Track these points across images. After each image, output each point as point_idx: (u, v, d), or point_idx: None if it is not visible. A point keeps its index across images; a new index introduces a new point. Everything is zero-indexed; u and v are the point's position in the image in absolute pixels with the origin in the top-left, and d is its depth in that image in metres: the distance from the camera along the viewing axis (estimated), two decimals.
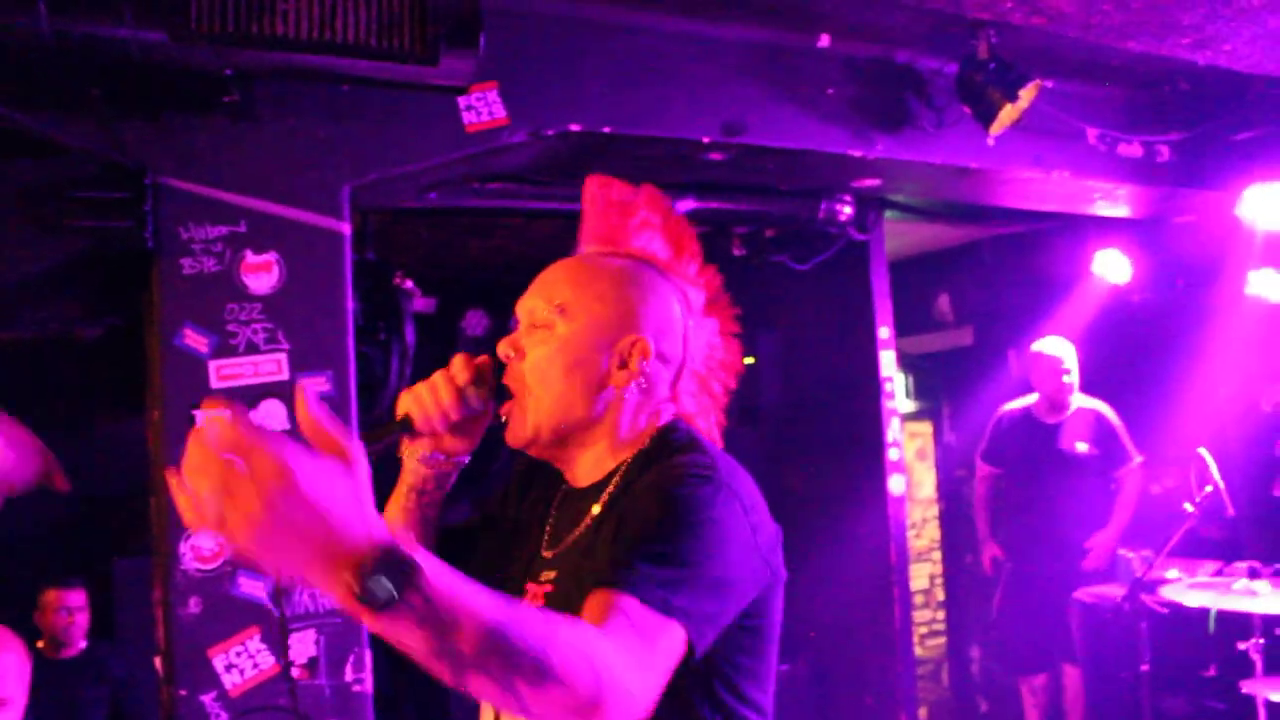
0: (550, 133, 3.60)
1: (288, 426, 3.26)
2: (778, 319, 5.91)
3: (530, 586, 1.63)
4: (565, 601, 1.48)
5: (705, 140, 3.84)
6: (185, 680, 3.14)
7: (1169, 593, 4.24)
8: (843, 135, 4.07)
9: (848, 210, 4.94)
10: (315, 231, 3.35)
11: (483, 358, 1.65)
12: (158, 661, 3.24)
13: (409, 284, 3.84)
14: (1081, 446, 5.36)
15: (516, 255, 6.02)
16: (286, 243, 3.31)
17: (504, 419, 1.65)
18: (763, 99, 3.92)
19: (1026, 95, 3.90)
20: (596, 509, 1.59)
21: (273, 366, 3.27)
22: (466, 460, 1.74)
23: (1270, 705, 3.96)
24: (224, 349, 3.23)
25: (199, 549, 3.16)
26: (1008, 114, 3.92)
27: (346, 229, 3.40)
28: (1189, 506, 4.22)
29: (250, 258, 3.27)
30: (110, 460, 4.95)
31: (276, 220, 3.30)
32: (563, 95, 3.61)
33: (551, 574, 1.60)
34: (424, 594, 1.07)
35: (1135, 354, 5.77)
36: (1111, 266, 5.68)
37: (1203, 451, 4.24)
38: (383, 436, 1.62)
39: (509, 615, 1.15)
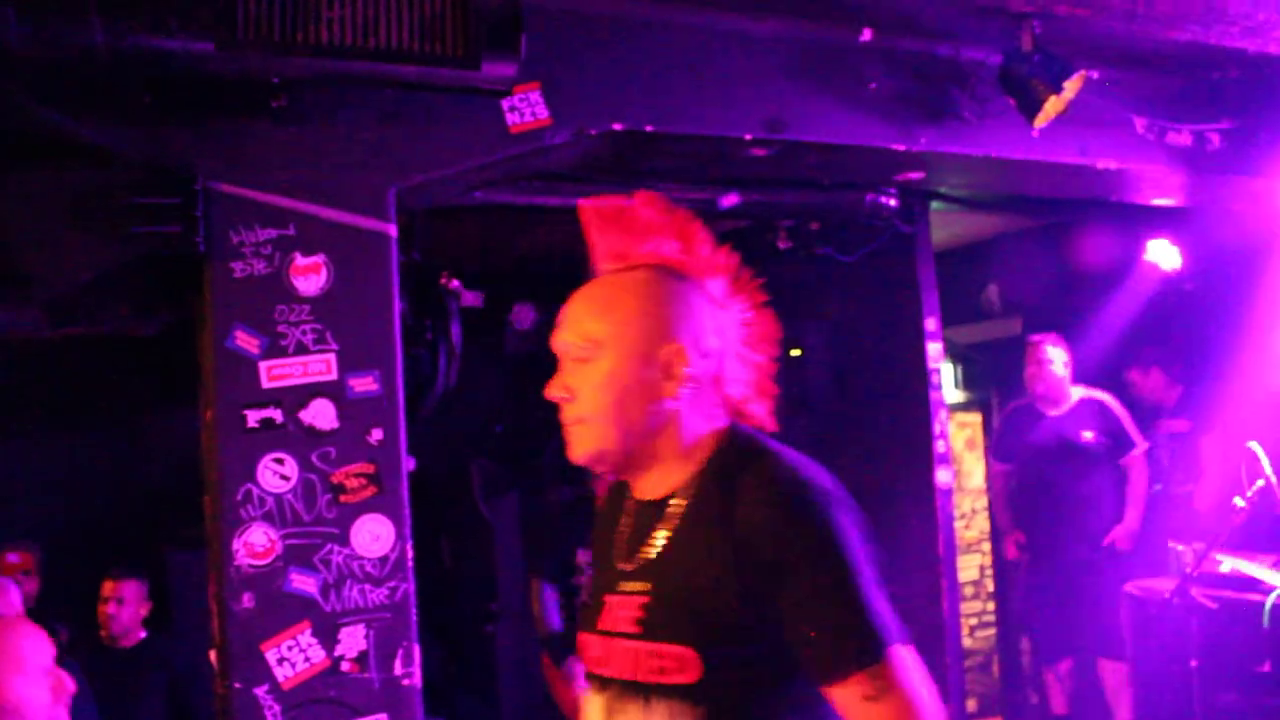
0: (593, 132, 3.62)
1: (336, 425, 3.32)
2: (824, 311, 5.90)
3: (610, 599, 1.71)
4: (666, 610, 1.62)
5: (747, 137, 3.84)
6: (239, 673, 3.21)
7: (1228, 567, 4.18)
8: (886, 129, 4.06)
9: (893, 202, 4.92)
10: (362, 233, 3.40)
11: None
12: (212, 655, 3.33)
13: (455, 283, 3.88)
14: (1087, 435, 5.50)
15: (563, 249, 6.05)
16: (334, 245, 3.36)
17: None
18: (805, 94, 3.91)
19: (1072, 86, 3.85)
20: (675, 521, 1.66)
21: (322, 366, 3.33)
22: None
23: None
24: (274, 350, 3.29)
25: (251, 545, 3.24)
26: (1053, 105, 3.88)
27: (393, 230, 3.45)
28: (1240, 501, 4.17)
29: (299, 260, 3.33)
30: (165, 454, 5.07)
31: (324, 223, 3.36)
32: (605, 94, 3.63)
33: (640, 585, 1.66)
34: None
35: (1186, 343, 5.71)
36: (1163, 255, 5.62)
37: (1254, 445, 4.19)
38: None
39: None
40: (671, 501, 1.67)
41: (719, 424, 1.71)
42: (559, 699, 4.24)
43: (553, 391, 1.70)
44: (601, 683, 1.70)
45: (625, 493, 1.77)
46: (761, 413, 1.75)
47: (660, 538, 1.66)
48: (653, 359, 1.65)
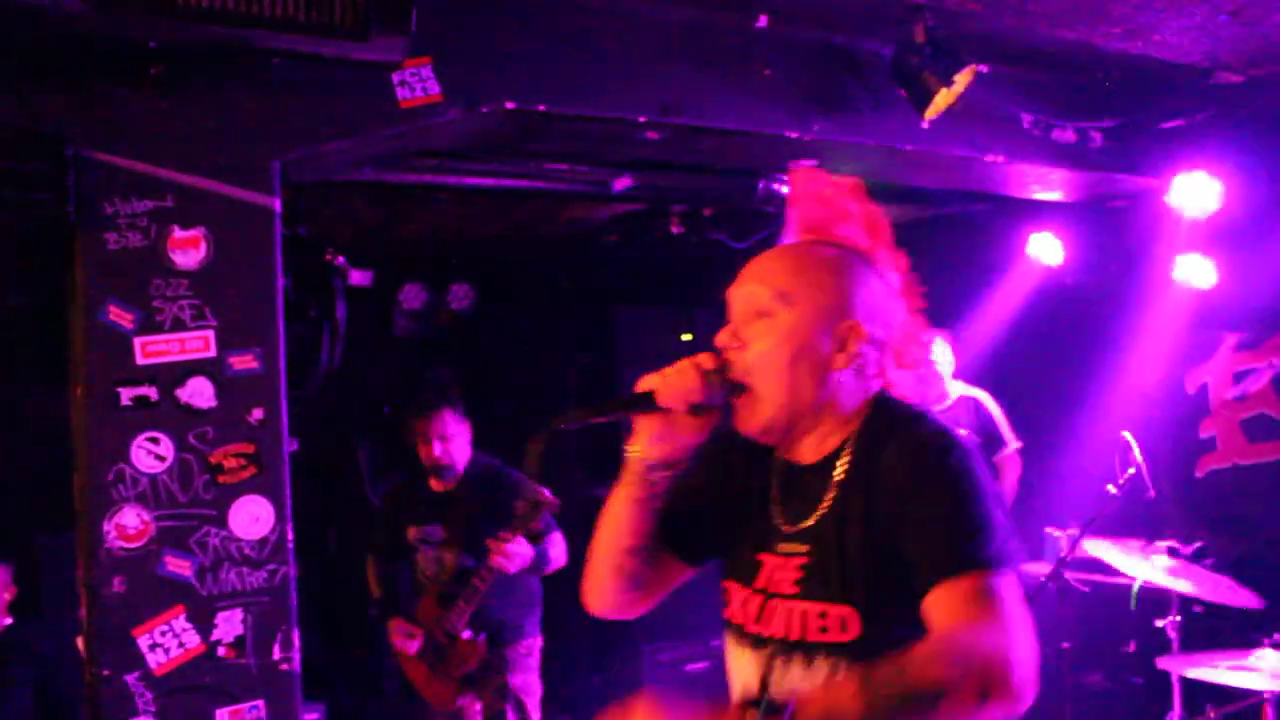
0: (485, 110, 3.56)
1: (214, 404, 3.22)
2: (716, 297, 5.91)
3: (766, 558, 1.77)
4: (824, 569, 1.68)
5: (641, 120, 3.82)
6: (109, 660, 3.10)
7: (1095, 551, 4.29)
8: (779, 116, 4.07)
9: (786, 189, 4.95)
10: (245, 207, 3.30)
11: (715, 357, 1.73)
12: (80, 642, 3.20)
13: (341, 260, 3.79)
14: (962, 433, 5.50)
15: (454, 229, 5.98)
16: (215, 218, 3.25)
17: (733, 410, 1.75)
18: (700, 79, 3.91)
19: (962, 80, 3.91)
20: (837, 480, 1.71)
21: (199, 344, 3.22)
22: (682, 469, 1.81)
23: (1184, 681, 4.06)
24: (149, 325, 3.17)
25: (123, 527, 3.12)
26: (943, 98, 3.94)
27: (277, 204, 3.35)
28: (1112, 488, 4.30)
29: (177, 233, 3.21)
30: (35, 433, 4.87)
31: (205, 195, 3.24)
32: (498, 72, 3.57)
33: (800, 546, 1.72)
34: None
35: (1067, 335, 5.86)
36: (1045, 249, 5.76)
37: (1126, 434, 4.33)
38: (621, 407, 1.77)
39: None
40: (836, 464, 1.73)
41: (870, 394, 1.78)
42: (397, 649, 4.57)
43: (723, 338, 1.75)
44: (756, 641, 1.75)
45: (766, 455, 1.82)
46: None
47: (823, 502, 1.71)
48: (832, 330, 1.72)
